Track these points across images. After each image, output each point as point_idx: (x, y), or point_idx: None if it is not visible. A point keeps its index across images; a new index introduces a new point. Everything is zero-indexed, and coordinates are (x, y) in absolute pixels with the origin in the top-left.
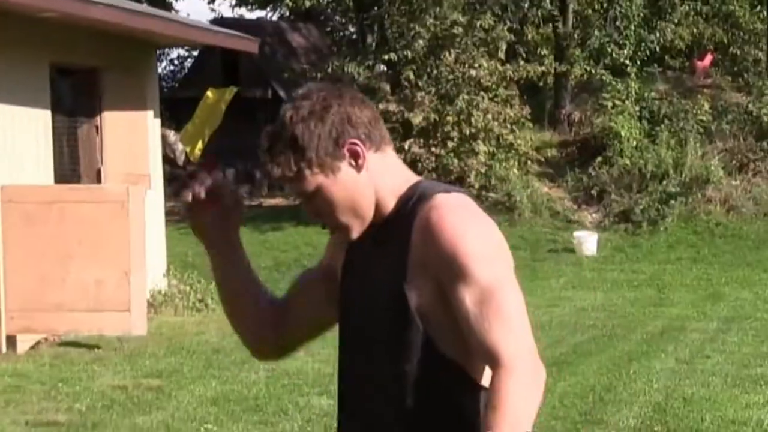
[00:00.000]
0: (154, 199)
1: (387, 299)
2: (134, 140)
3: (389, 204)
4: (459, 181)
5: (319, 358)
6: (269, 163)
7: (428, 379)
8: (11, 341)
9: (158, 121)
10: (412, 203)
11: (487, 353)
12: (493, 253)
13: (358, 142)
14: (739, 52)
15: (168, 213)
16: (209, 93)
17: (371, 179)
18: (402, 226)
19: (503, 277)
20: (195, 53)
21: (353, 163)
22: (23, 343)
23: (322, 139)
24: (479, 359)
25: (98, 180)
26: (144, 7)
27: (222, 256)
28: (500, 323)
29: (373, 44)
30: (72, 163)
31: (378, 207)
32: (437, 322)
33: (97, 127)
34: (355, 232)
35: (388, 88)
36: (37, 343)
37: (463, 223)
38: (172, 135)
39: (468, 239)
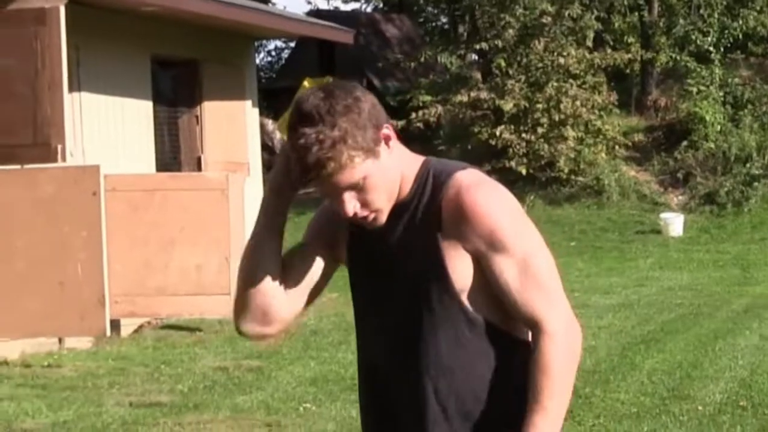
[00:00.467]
0: (253, 186)
1: (426, 275)
2: (233, 129)
3: (408, 185)
4: (549, 166)
5: None
6: (322, 161)
7: (472, 343)
8: (115, 325)
9: (256, 111)
10: (431, 184)
11: (529, 320)
12: (521, 222)
13: (389, 125)
14: None
15: None
16: (306, 82)
17: (396, 161)
18: (428, 206)
19: (535, 245)
20: (292, 44)
21: (386, 146)
22: (127, 327)
23: (367, 127)
24: (521, 323)
25: (198, 168)
26: (241, 0)
27: (285, 202)
28: (538, 292)
29: (465, 34)
30: (173, 152)
31: (393, 193)
32: (474, 291)
33: (197, 117)
34: (385, 216)
35: (479, 76)
36: (141, 326)
37: (491, 199)
38: (270, 124)
39: (500, 215)
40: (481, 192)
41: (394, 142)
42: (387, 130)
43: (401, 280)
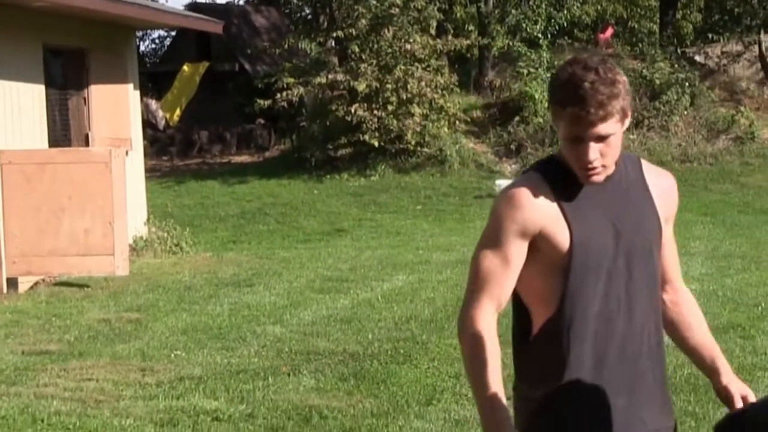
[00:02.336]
0: (135, 159)
1: (648, 233)
2: (117, 109)
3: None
4: (398, 139)
5: (275, 292)
6: (601, 102)
7: (659, 295)
8: (12, 283)
9: (137, 93)
10: (626, 164)
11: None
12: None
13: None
14: (636, 26)
15: (150, 170)
16: (185, 67)
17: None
18: (633, 180)
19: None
20: (173, 33)
21: (625, 123)
22: (23, 285)
23: (629, 97)
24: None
25: (86, 144)
26: None
27: None
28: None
29: (324, 23)
30: (64, 130)
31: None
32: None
33: (84, 99)
34: (604, 176)
35: (336, 60)
36: (35, 284)
37: (674, 180)
38: (153, 103)
39: (676, 190)
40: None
41: (627, 122)
42: (631, 111)
43: (629, 235)
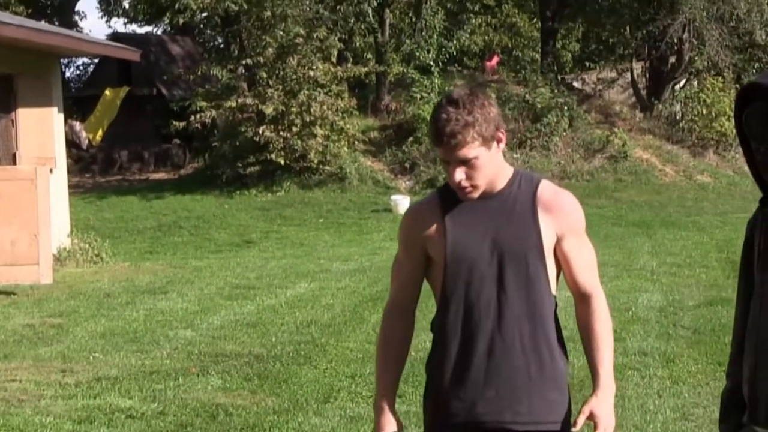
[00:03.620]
0: (59, 176)
1: (525, 245)
2: (42, 130)
3: (501, 181)
4: (302, 158)
5: (187, 299)
6: (453, 133)
7: (545, 301)
8: None
9: (62, 115)
10: (520, 183)
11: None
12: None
13: (503, 132)
14: (519, 54)
15: (74, 186)
16: (107, 91)
17: (498, 159)
18: (522, 197)
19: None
20: (96, 60)
21: (497, 146)
22: None
23: (490, 123)
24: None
25: (14, 162)
26: (47, 26)
27: None
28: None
29: (235, 51)
30: None
31: (492, 181)
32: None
33: (12, 121)
34: (478, 194)
35: (245, 86)
36: None
37: (570, 196)
38: (77, 125)
39: (578, 208)
40: (566, 194)
41: (502, 145)
42: (502, 134)
43: (498, 247)
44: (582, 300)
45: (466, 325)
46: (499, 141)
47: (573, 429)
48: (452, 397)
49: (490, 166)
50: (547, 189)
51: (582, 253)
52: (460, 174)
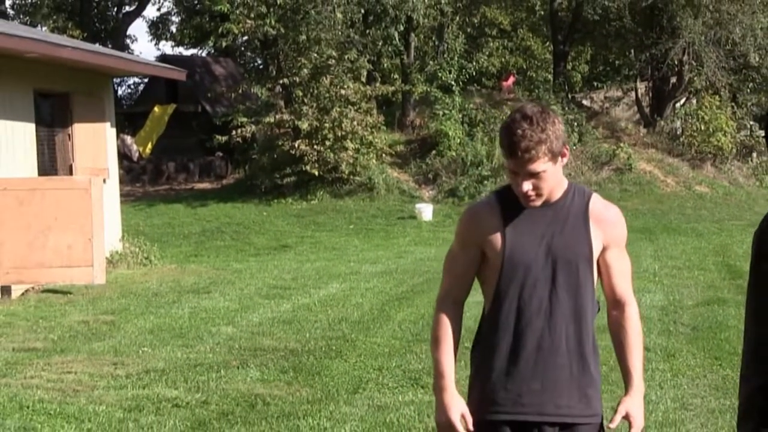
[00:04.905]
0: (111, 186)
1: (577, 253)
2: (96, 144)
3: (558, 192)
4: (334, 169)
5: (229, 298)
6: (527, 148)
7: (588, 306)
8: (6, 290)
9: (114, 130)
10: (574, 195)
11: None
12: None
13: (567, 148)
14: (533, 75)
15: (125, 195)
16: (156, 108)
17: (559, 173)
18: (576, 209)
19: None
20: (146, 80)
21: (561, 160)
22: (15, 292)
23: (559, 140)
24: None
25: (70, 173)
26: (101, 48)
27: None
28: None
29: (273, 72)
30: (51, 161)
31: (552, 192)
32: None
33: (69, 135)
34: (540, 203)
35: (282, 103)
36: (26, 291)
37: (617, 210)
38: (129, 139)
39: (623, 221)
40: (613, 207)
41: (566, 160)
42: (566, 150)
43: (552, 252)
44: (617, 306)
45: (518, 322)
46: (563, 156)
47: (610, 424)
48: (500, 388)
49: (554, 178)
50: (597, 202)
51: (622, 263)
52: (528, 185)
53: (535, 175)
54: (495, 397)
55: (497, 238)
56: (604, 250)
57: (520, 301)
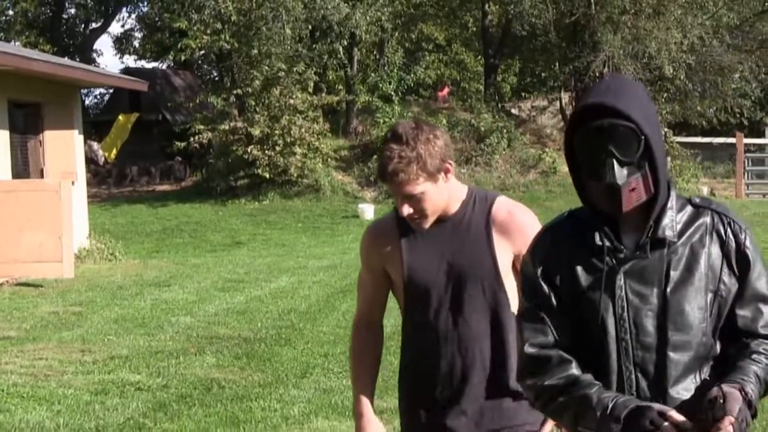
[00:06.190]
0: (79, 188)
1: (482, 270)
2: (65, 149)
3: (454, 205)
4: (284, 173)
5: (187, 290)
6: (396, 171)
7: (505, 322)
8: None
9: (82, 137)
10: (474, 204)
11: None
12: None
13: (452, 162)
14: (466, 86)
15: (92, 196)
16: (120, 117)
17: (447, 188)
18: (477, 219)
19: None
20: (111, 90)
21: (445, 176)
22: None
23: (435, 158)
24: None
25: (41, 176)
26: (70, 62)
27: None
28: None
29: (228, 83)
30: (24, 165)
31: (444, 209)
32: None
33: (40, 141)
34: (428, 224)
35: (236, 112)
36: (1, 284)
37: (526, 213)
38: (95, 145)
39: (533, 224)
40: (521, 210)
41: (451, 176)
42: (449, 165)
43: (452, 267)
44: None
45: (429, 348)
46: (446, 172)
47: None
48: (420, 418)
49: (438, 198)
50: (501, 209)
51: None
52: (407, 209)
53: (412, 198)
54: (417, 428)
55: (396, 259)
56: (516, 258)
57: (428, 324)
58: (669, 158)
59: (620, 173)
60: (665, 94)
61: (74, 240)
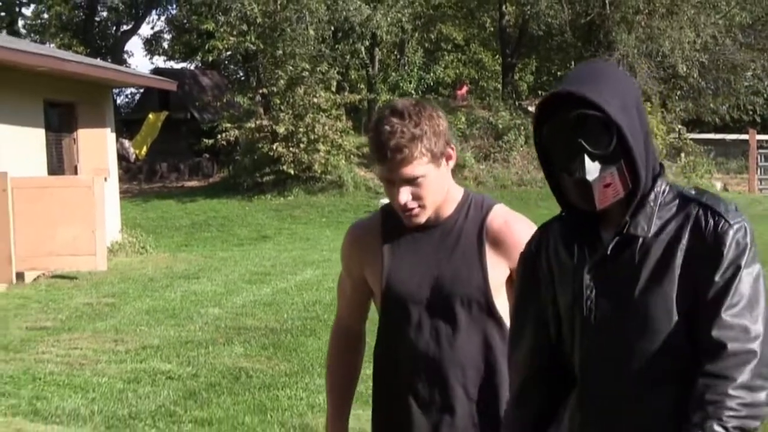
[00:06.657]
0: (111, 184)
1: (470, 287)
2: (98, 147)
3: (448, 207)
4: (308, 169)
5: (216, 283)
6: (399, 147)
7: (493, 343)
8: (20, 276)
9: (114, 135)
10: (469, 210)
11: None
12: None
13: (453, 148)
14: (484, 84)
15: (123, 192)
16: (150, 115)
17: (447, 180)
18: (469, 228)
19: None
20: (141, 90)
21: (447, 163)
22: (28, 277)
23: (440, 138)
24: None
25: (75, 173)
26: (102, 63)
27: None
28: None
29: (254, 82)
30: (59, 162)
31: (439, 206)
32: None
33: (74, 139)
34: (424, 218)
35: (262, 110)
36: (38, 276)
37: (525, 225)
38: (126, 142)
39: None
40: (519, 221)
41: (452, 164)
42: (452, 150)
43: (441, 276)
44: None
45: (405, 371)
46: (449, 158)
47: None
48: None
49: (439, 186)
50: (497, 218)
51: None
52: (405, 195)
53: (412, 182)
54: None
55: (375, 265)
56: (512, 274)
57: (404, 346)
58: (683, 154)
59: (592, 168)
60: (679, 92)
61: (107, 234)
